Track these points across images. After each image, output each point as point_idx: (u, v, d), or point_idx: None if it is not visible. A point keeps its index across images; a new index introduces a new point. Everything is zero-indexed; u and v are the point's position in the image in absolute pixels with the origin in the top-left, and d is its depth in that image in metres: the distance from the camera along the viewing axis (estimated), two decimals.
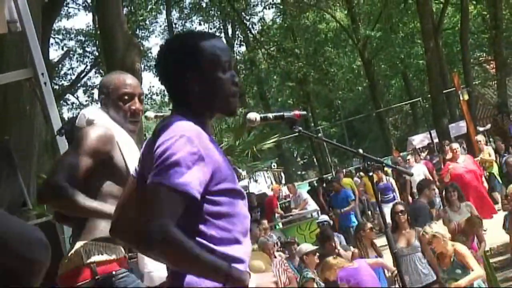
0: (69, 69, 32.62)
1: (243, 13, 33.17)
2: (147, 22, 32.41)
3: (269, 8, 33.77)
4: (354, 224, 12.46)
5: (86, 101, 32.53)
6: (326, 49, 34.90)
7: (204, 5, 33.33)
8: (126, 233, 2.20)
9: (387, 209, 9.58)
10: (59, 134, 3.37)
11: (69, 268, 2.67)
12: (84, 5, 30.41)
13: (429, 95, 24.81)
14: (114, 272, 2.65)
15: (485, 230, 9.50)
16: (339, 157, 39.89)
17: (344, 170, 21.44)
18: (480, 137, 12.88)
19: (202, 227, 1.98)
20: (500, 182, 12.50)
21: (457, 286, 5.94)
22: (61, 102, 28.94)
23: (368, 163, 2.81)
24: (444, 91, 23.34)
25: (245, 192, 2.26)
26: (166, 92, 2.25)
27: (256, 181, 19.90)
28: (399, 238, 6.93)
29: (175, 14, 34.28)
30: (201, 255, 1.90)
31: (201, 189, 1.94)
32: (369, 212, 17.05)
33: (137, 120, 3.02)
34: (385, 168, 13.75)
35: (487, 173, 12.22)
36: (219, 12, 33.52)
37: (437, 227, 6.29)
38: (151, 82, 44.86)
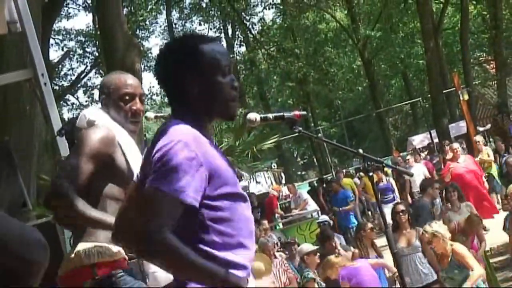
0: (69, 70, 32.64)
1: (243, 13, 33.16)
2: (147, 22, 32.40)
3: (269, 9, 33.79)
4: (353, 224, 12.46)
5: (86, 101, 32.53)
6: (326, 49, 34.89)
7: (204, 5, 33.33)
8: (127, 237, 2.19)
9: (387, 209, 9.61)
10: (59, 135, 3.37)
11: (69, 268, 2.68)
12: (84, 5, 30.46)
13: (429, 95, 24.80)
14: (113, 272, 2.65)
15: (487, 230, 9.51)
16: (339, 157, 39.88)
17: (344, 170, 21.43)
18: (478, 138, 12.88)
19: (203, 233, 1.97)
20: (499, 183, 12.50)
21: None
22: (61, 102, 28.92)
23: (368, 163, 2.81)
24: (444, 91, 23.34)
25: (245, 192, 2.25)
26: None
27: (258, 182, 19.89)
28: (399, 238, 6.93)
29: (175, 14, 34.33)
30: (197, 261, 1.89)
31: (198, 195, 1.93)
32: (369, 213, 17.06)
33: (138, 121, 3.02)
34: (385, 169, 13.73)
35: (486, 174, 12.22)
36: (219, 12, 33.51)
37: (437, 227, 6.28)
38: (151, 82, 44.96)
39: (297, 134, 2.56)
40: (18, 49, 7.44)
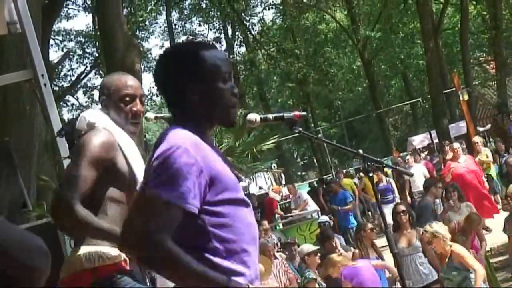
0: (69, 70, 32.66)
1: (243, 14, 33.16)
2: (147, 23, 32.41)
3: (269, 9, 33.76)
4: (353, 225, 12.46)
5: (86, 102, 32.60)
6: (326, 50, 34.89)
7: (204, 6, 33.32)
8: (131, 244, 2.17)
9: (387, 210, 9.60)
10: (59, 135, 3.36)
11: (71, 272, 2.68)
12: (84, 6, 30.49)
13: (429, 96, 24.80)
14: (114, 274, 2.66)
15: (490, 231, 9.51)
16: (339, 157, 39.87)
17: (344, 171, 21.43)
18: (477, 139, 12.88)
19: (204, 239, 1.96)
20: (498, 183, 12.50)
21: None
22: (61, 103, 28.92)
23: (368, 163, 2.81)
24: (444, 92, 23.33)
25: (245, 192, 2.25)
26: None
27: (260, 188, 19.92)
28: (400, 238, 6.93)
29: (175, 15, 34.33)
30: (198, 269, 1.89)
31: (198, 201, 1.92)
32: (369, 213, 17.05)
33: (138, 122, 3.01)
34: (385, 169, 13.74)
35: (485, 175, 12.22)
36: (219, 13, 33.51)
37: (438, 227, 6.28)
38: (151, 83, 44.84)
39: (297, 134, 2.55)
40: (18, 49, 7.46)
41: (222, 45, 34.73)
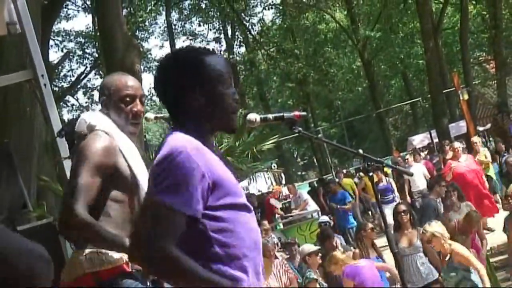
0: (68, 71, 32.66)
1: (242, 14, 33.16)
2: (147, 23, 32.40)
3: (268, 9, 33.76)
4: (352, 225, 12.47)
5: (86, 102, 32.61)
6: (326, 50, 34.90)
7: (203, 6, 33.31)
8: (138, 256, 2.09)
9: (387, 209, 9.60)
10: (59, 136, 3.36)
11: (72, 276, 2.68)
12: (83, 6, 30.49)
13: (429, 95, 24.82)
14: (116, 276, 2.66)
15: (493, 230, 9.50)
16: (339, 157, 39.87)
17: (344, 171, 21.43)
18: (476, 139, 12.88)
19: (204, 244, 1.95)
20: (497, 183, 12.51)
21: None
22: (61, 103, 28.92)
23: (368, 163, 2.81)
24: (444, 91, 23.33)
25: (245, 192, 2.24)
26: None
27: (259, 191, 19.92)
28: (401, 238, 6.93)
29: (174, 15, 34.32)
30: (203, 274, 1.89)
31: (201, 206, 1.92)
32: (370, 212, 17.06)
33: (139, 122, 3.00)
34: (385, 169, 13.74)
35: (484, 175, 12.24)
36: (218, 13, 33.50)
37: (437, 226, 6.28)
38: (150, 83, 44.85)
39: (297, 134, 2.55)
40: (17, 50, 7.45)
41: (222, 45, 34.81)
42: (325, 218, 11.84)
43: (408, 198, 13.23)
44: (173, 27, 33.77)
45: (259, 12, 53.88)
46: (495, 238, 9.08)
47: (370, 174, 2.88)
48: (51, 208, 7.29)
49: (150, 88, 32.71)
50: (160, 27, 39.17)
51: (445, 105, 24.07)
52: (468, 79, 23.54)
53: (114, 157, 2.75)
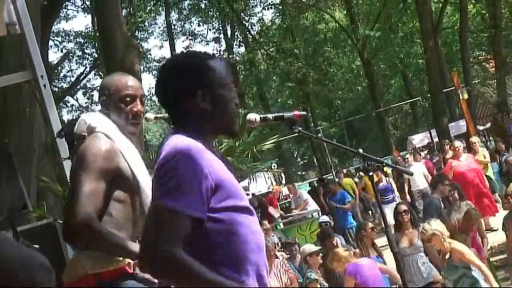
0: (68, 71, 32.67)
1: (242, 14, 33.15)
2: (146, 23, 32.40)
3: (268, 9, 33.76)
4: (351, 225, 12.45)
5: (85, 103, 32.61)
6: (326, 49, 34.92)
7: (203, 6, 33.30)
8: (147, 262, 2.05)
9: (387, 209, 9.59)
10: (59, 136, 3.35)
11: (74, 278, 2.67)
12: (83, 7, 30.49)
13: (429, 95, 24.81)
14: (118, 278, 2.65)
15: (496, 230, 9.49)
16: (339, 157, 39.87)
17: (344, 170, 21.43)
18: (475, 139, 12.88)
19: (206, 246, 1.95)
20: (496, 183, 12.50)
21: None
22: (61, 104, 28.92)
23: (368, 163, 2.81)
24: (444, 90, 23.35)
25: (246, 193, 2.23)
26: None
27: (259, 191, 19.92)
28: (402, 238, 6.93)
29: (174, 15, 34.31)
30: (211, 277, 1.88)
31: (204, 208, 1.91)
32: (370, 212, 17.06)
33: (139, 122, 3.00)
34: (385, 169, 13.74)
35: None
36: (218, 13, 33.49)
37: (436, 224, 6.27)
38: (150, 83, 44.91)
39: (297, 134, 2.55)
40: (17, 51, 7.44)
41: (221, 45, 34.83)
42: (325, 218, 11.84)
43: (408, 198, 13.24)
44: (173, 27, 33.78)
45: (258, 12, 53.81)
46: (496, 237, 9.08)
47: (370, 173, 2.88)
48: (51, 208, 7.30)
49: (150, 88, 32.75)
50: (159, 27, 39.18)
51: (445, 105, 24.08)
52: (468, 78, 23.55)
53: (115, 160, 2.75)
